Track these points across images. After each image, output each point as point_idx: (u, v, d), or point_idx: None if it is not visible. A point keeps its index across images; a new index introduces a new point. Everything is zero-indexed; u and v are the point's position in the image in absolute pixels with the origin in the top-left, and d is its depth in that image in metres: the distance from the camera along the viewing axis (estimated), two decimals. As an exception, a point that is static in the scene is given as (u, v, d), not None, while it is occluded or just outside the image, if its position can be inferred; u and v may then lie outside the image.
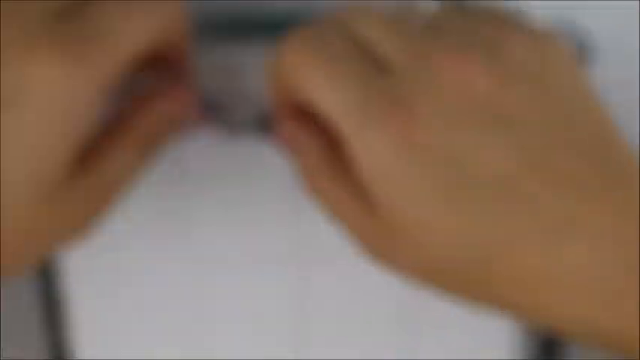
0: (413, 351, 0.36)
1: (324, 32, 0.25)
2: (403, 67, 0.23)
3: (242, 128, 0.31)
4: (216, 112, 0.31)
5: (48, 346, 0.35)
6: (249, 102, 0.31)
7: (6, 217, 0.23)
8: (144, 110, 0.26)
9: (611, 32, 0.33)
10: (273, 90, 0.27)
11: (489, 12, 0.25)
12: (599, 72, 0.32)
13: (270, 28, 0.28)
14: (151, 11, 0.24)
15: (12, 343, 0.37)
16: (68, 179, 0.24)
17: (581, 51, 0.32)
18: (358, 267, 0.34)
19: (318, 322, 0.35)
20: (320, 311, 0.35)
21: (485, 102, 0.23)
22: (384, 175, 0.23)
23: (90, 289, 0.34)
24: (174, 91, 0.27)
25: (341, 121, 0.23)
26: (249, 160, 0.33)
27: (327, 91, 0.23)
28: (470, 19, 0.25)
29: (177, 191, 0.33)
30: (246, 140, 0.32)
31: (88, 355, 0.35)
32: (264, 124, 0.30)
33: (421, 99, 0.23)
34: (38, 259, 0.27)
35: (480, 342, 0.36)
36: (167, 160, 0.29)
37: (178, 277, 0.34)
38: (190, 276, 0.34)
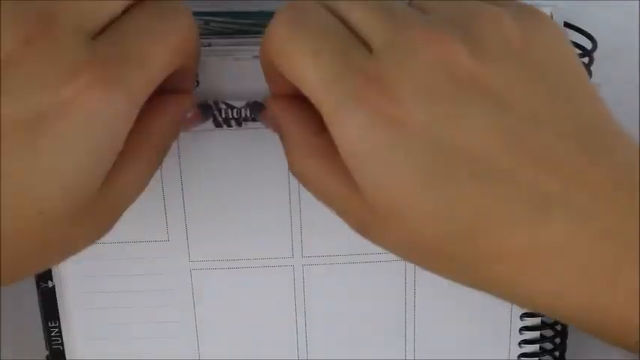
0: (411, 351, 0.36)
1: (309, 10, 0.25)
2: (383, 45, 0.23)
3: (238, 125, 0.31)
4: (213, 111, 0.31)
5: (47, 346, 0.35)
6: (245, 100, 0.31)
7: (41, 231, 0.23)
8: (155, 118, 0.27)
9: (611, 32, 0.33)
10: (262, 67, 0.27)
11: None
12: (599, 72, 0.32)
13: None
14: (173, 32, 0.25)
15: (12, 343, 0.37)
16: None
17: (581, 52, 0.32)
18: (357, 265, 0.34)
19: (318, 322, 0.35)
20: (319, 310, 0.35)
21: (466, 79, 0.23)
22: (361, 152, 0.23)
23: (87, 288, 0.34)
24: (180, 97, 0.28)
25: (320, 98, 0.23)
26: (248, 156, 0.33)
27: (309, 68, 0.23)
28: None
29: (173, 188, 0.33)
30: (244, 135, 0.32)
31: (86, 355, 0.35)
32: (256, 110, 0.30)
33: (399, 76, 0.23)
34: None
35: (480, 342, 0.36)
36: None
37: (176, 275, 0.34)
38: (188, 274, 0.34)
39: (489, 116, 0.23)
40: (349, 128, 0.23)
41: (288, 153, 0.27)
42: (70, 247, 0.26)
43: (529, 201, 0.22)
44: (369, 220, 0.25)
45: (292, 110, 0.27)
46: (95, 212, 0.25)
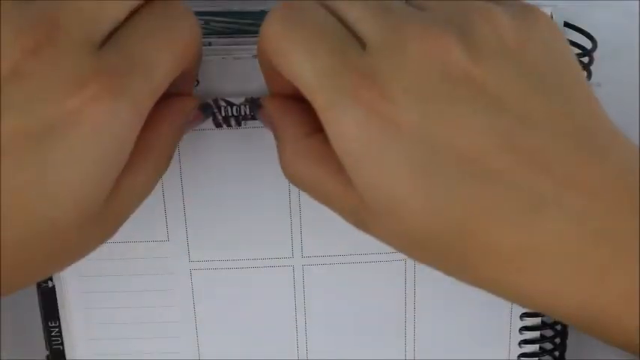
0: (411, 351, 0.36)
1: (306, 8, 0.25)
2: (378, 42, 0.23)
3: (238, 124, 0.31)
4: (212, 110, 0.31)
5: (47, 346, 0.35)
6: (244, 98, 0.31)
7: (51, 239, 0.23)
8: (160, 123, 0.27)
9: (611, 32, 0.33)
10: (260, 66, 0.27)
11: None
12: (599, 72, 0.32)
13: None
14: (177, 38, 0.25)
15: (12, 343, 0.37)
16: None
17: (581, 52, 0.32)
18: (357, 265, 0.34)
19: (318, 322, 0.35)
20: (319, 311, 0.35)
21: (460, 78, 0.23)
22: (356, 151, 0.23)
23: (87, 288, 0.34)
24: (183, 100, 0.28)
25: (315, 95, 0.23)
26: (248, 156, 0.33)
27: (304, 66, 0.23)
28: None
29: (173, 188, 0.33)
30: (243, 134, 0.32)
31: (86, 355, 0.35)
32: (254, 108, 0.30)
33: (393, 74, 0.23)
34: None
35: (480, 342, 0.36)
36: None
37: (176, 275, 0.34)
38: (188, 274, 0.34)
39: (484, 116, 0.23)
40: (344, 126, 0.23)
41: (280, 155, 0.27)
42: (76, 254, 0.26)
43: (522, 201, 0.22)
44: (367, 217, 0.25)
45: (287, 111, 0.27)
46: (102, 218, 0.25)
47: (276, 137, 0.27)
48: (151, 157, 0.26)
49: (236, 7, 0.32)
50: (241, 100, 0.30)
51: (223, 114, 0.31)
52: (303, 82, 0.24)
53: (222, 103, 0.30)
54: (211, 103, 0.30)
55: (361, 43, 0.24)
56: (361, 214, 0.25)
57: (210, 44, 0.31)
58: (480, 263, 0.23)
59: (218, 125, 0.31)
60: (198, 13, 0.31)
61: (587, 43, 0.32)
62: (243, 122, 0.31)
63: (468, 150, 0.22)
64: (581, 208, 0.22)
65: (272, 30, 0.24)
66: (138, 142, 0.24)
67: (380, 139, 0.23)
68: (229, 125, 0.31)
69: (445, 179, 0.23)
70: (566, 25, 0.32)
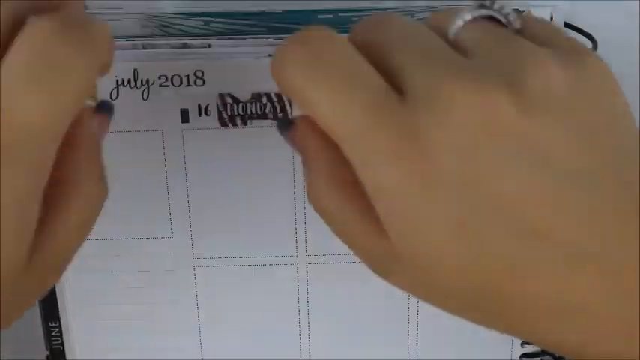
0: (414, 351, 0.36)
1: (332, 48, 0.22)
2: (418, 93, 0.22)
3: (243, 123, 0.31)
4: (109, 104, 0.29)
5: (47, 346, 0.35)
6: (251, 94, 0.31)
7: None
8: (73, 153, 0.24)
9: (611, 32, 0.33)
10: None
11: (523, 21, 0.24)
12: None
13: (271, 26, 0.28)
14: (90, 47, 0.22)
15: (12, 343, 0.37)
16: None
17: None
18: (361, 263, 0.34)
19: (321, 320, 0.35)
20: (323, 309, 0.35)
21: (507, 134, 0.21)
22: (391, 207, 0.22)
23: (88, 288, 0.34)
24: (81, 122, 0.25)
25: (348, 153, 0.22)
26: (253, 154, 0.33)
27: (334, 120, 0.22)
28: (498, 37, 0.23)
29: (178, 186, 0.33)
30: (248, 133, 0.32)
31: (86, 355, 0.35)
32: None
33: (437, 131, 0.21)
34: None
35: (482, 342, 0.36)
36: (165, 154, 0.29)
37: (180, 273, 0.34)
38: (192, 272, 0.34)
39: (530, 174, 0.21)
40: (380, 183, 0.22)
41: (310, 181, 0.24)
42: (18, 307, 0.24)
43: (563, 258, 0.21)
44: (394, 266, 0.24)
45: (322, 134, 0.23)
46: (36, 268, 0.23)
47: (307, 161, 0.25)
48: (81, 189, 0.24)
49: (236, 7, 0.32)
50: (247, 97, 0.30)
51: (229, 112, 0.31)
52: (334, 135, 0.22)
53: (229, 100, 0.30)
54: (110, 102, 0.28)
55: (397, 90, 0.22)
56: (388, 264, 0.24)
57: (210, 46, 0.31)
58: (512, 316, 0.23)
59: (224, 124, 0.31)
60: (199, 14, 0.31)
61: (587, 43, 0.32)
62: (249, 121, 0.31)
63: (511, 208, 0.21)
64: (619, 267, 0.21)
65: (290, 72, 0.22)
66: (57, 183, 0.23)
67: (418, 196, 0.21)
68: (235, 124, 0.31)
69: (486, 237, 0.22)
70: (566, 25, 0.32)
